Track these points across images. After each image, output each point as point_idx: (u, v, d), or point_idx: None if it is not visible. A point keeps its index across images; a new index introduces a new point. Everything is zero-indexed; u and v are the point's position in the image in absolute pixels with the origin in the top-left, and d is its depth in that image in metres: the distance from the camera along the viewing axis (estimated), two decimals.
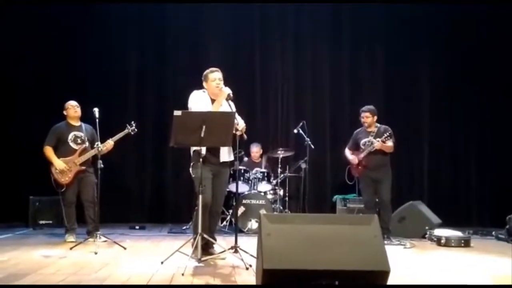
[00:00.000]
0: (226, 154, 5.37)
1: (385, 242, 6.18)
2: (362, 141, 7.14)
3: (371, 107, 7.15)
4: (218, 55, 9.11)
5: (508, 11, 8.86)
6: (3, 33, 8.49)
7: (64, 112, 6.78)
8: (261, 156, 8.65)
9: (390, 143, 6.92)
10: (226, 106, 5.26)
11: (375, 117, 7.14)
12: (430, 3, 9.20)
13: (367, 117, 7.10)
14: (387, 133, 6.88)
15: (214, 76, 5.34)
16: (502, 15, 9.07)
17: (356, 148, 7.26)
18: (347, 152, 7.38)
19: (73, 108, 6.76)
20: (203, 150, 5.06)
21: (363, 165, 7.07)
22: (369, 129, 7.14)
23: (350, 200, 8.43)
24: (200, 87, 5.44)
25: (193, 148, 5.30)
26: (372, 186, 7.06)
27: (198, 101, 5.28)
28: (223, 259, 5.22)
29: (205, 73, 5.43)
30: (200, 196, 4.90)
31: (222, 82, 5.33)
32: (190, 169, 5.31)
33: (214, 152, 5.27)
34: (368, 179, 7.09)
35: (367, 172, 7.06)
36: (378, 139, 6.90)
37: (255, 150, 8.58)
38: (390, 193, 7.00)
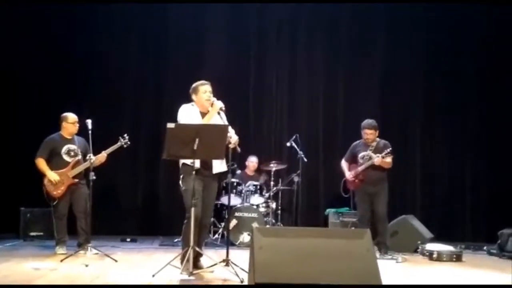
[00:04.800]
0: (218, 166, 5.36)
1: (378, 256, 6.20)
2: (360, 155, 7.04)
3: (373, 122, 7.02)
4: (213, 68, 9.10)
5: (509, 11, 8.89)
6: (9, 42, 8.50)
7: (63, 124, 6.70)
8: (256, 170, 8.64)
9: (389, 159, 6.86)
10: (217, 118, 5.27)
11: (377, 132, 7.07)
12: (428, 3, 9.29)
13: (372, 134, 6.98)
14: (388, 150, 6.81)
15: (205, 88, 5.34)
16: (502, 17, 9.13)
17: (353, 161, 7.17)
18: (344, 165, 7.29)
19: (74, 126, 6.70)
20: (197, 163, 5.06)
21: (360, 179, 7.00)
22: (368, 143, 7.05)
23: (345, 214, 8.39)
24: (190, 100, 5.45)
25: (181, 161, 5.29)
26: (368, 201, 6.99)
27: (188, 115, 5.28)
28: (211, 272, 5.19)
29: (194, 85, 5.42)
30: (193, 209, 4.88)
31: (212, 95, 5.35)
32: (180, 182, 5.28)
33: (205, 164, 5.26)
34: (364, 193, 7.02)
35: (363, 186, 7.00)
36: (378, 154, 6.82)
37: (254, 160, 8.59)
38: (386, 207, 6.95)
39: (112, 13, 9.10)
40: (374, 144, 7.01)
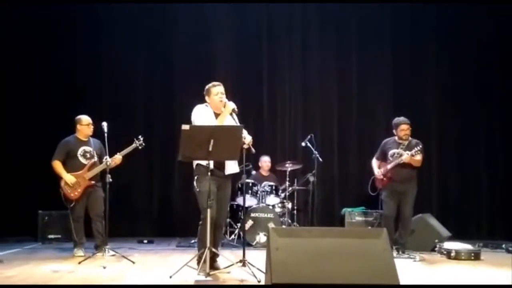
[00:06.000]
0: (231, 167, 5.37)
1: (395, 255, 6.16)
2: (391, 152, 6.97)
3: (407, 119, 7.00)
4: (226, 68, 9.15)
5: None
6: (10, 43, 8.58)
7: (78, 126, 6.75)
8: (271, 169, 8.64)
9: (419, 157, 6.77)
10: (230, 120, 5.28)
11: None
12: (439, 3, 9.29)
13: (408, 129, 6.93)
14: (418, 147, 6.74)
15: (217, 90, 5.36)
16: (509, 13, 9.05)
17: (383, 159, 7.09)
18: (374, 163, 7.22)
19: (88, 128, 6.75)
20: (211, 164, 5.06)
21: (389, 177, 6.91)
22: (399, 141, 6.99)
23: (368, 213, 8.34)
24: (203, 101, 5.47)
25: (195, 162, 5.30)
26: (396, 199, 6.89)
27: (201, 115, 5.30)
28: (228, 273, 5.19)
29: (207, 87, 5.44)
30: (208, 210, 4.89)
31: (224, 96, 5.35)
32: (195, 183, 5.28)
33: (219, 165, 5.27)
34: (392, 191, 6.92)
35: (392, 184, 6.91)
36: (408, 152, 6.77)
37: (267, 159, 8.58)
38: (412, 209, 6.90)
39: (119, 12, 9.13)
40: (405, 142, 6.94)
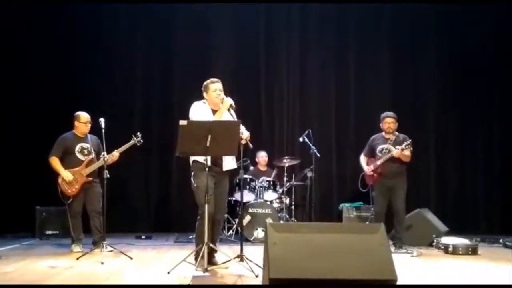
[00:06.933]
0: (229, 163, 5.38)
1: (392, 250, 6.17)
2: (379, 148, 6.99)
3: (393, 113, 7.05)
4: (224, 64, 9.15)
5: None
6: (10, 43, 8.56)
7: (76, 123, 6.73)
8: (267, 164, 8.64)
9: (408, 152, 6.79)
10: (227, 115, 5.28)
11: (396, 124, 7.05)
12: (439, 3, 9.28)
13: (393, 122, 6.97)
14: (408, 142, 6.76)
15: (215, 86, 5.36)
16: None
17: (372, 155, 7.12)
18: (362, 160, 7.25)
19: (86, 126, 6.73)
20: (208, 160, 5.06)
21: (379, 173, 6.94)
22: (387, 136, 7.02)
23: (362, 209, 8.36)
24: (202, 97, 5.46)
25: (192, 158, 5.30)
26: (386, 195, 6.92)
27: (199, 112, 5.30)
28: (226, 268, 5.19)
29: (205, 83, 5.44)
30: (206, 206, 4.89)
31: (222, 93, 5.36)
32: (192, 179, 5.29)
33: (216, 161, 5.27)
34: (383, 187, 6.96)
35: (382, 180, 6.94)
36: (397, 146, 6.78)
37: (263, 154, 8.59)
38: (404, 202, 6.91)
39: (119, 12, 9.16)
40: (393, 137, 6.96)
